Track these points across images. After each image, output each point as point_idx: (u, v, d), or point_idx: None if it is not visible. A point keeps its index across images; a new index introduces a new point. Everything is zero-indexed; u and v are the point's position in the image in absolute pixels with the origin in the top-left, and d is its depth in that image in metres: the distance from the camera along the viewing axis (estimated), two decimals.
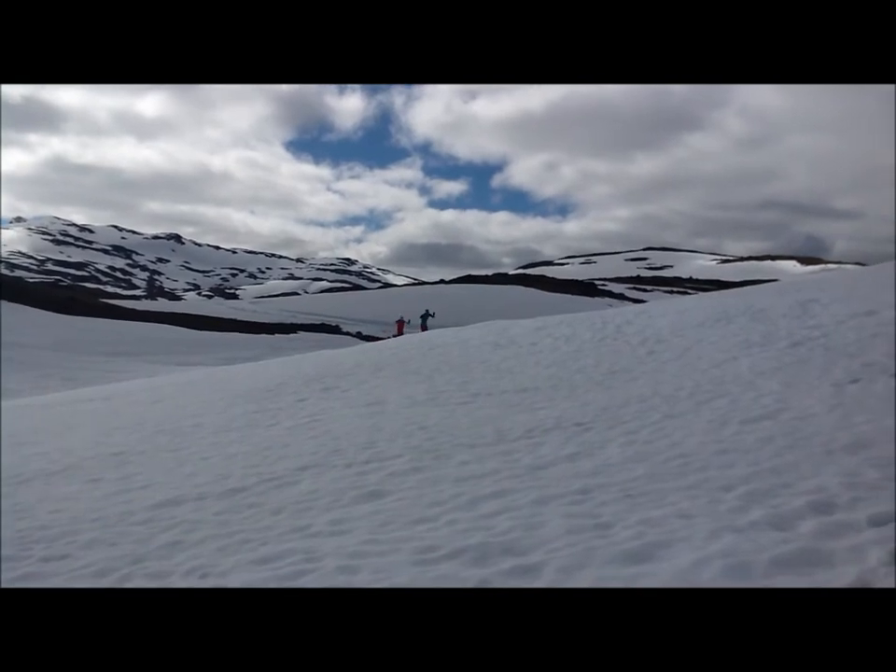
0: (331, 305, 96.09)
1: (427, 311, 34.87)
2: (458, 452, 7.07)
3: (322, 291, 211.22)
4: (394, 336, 31.48)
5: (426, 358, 15.17)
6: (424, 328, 31.91)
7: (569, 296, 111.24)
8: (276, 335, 63.21)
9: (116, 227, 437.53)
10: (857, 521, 4.17)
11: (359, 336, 65.75)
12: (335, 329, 71.85)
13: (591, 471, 5.85)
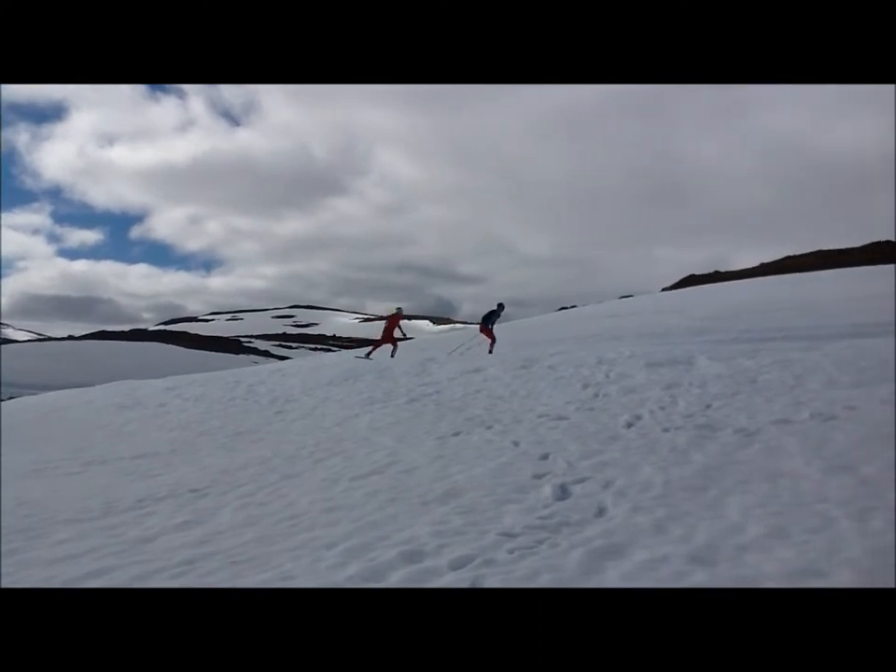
0: None
1: (499, 305, 20.62)
2: (57, 529, 6.39)
3: None
4: (383, 339, 20.66)
5: (40, 423, 13.78)
6: (486, 329, 20.03)
7: (213, 353, 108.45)
8: None
9: None
10: (440, 566, 4.51)
11: None
12: None
13: (199, 540, 5.64)
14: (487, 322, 20.10)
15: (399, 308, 21.06)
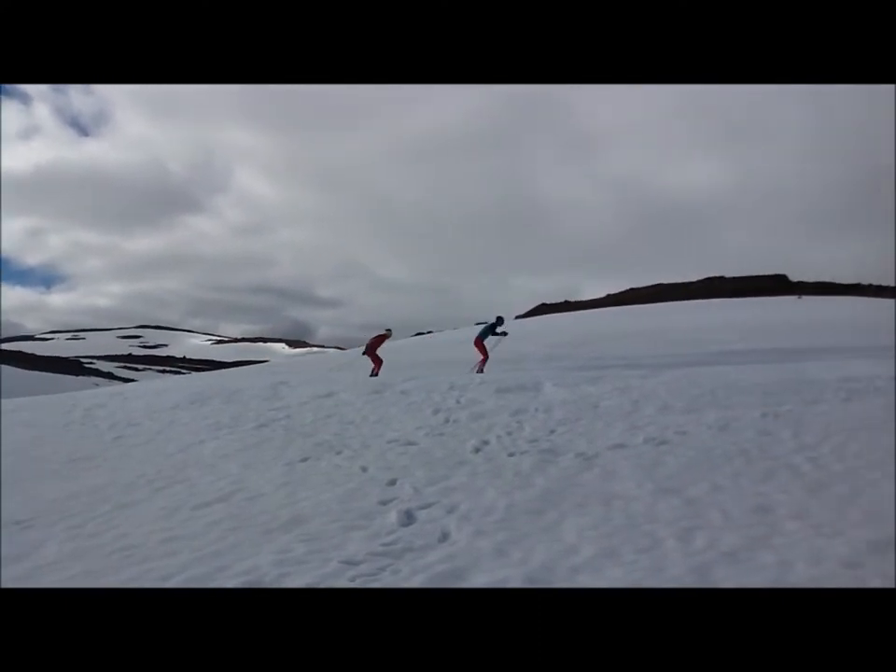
0: None
1: (498, 319, 19.03)
2: None
3: None
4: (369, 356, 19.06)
5: None
6: (481, 342, 18.19)
7: (51, 374, 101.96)
8: None
9: None
10: None
11: None
12: None
13: (22, 575, 5.28)
14: (486, 334, 18.32)
15: (388, 329, 20.03)
